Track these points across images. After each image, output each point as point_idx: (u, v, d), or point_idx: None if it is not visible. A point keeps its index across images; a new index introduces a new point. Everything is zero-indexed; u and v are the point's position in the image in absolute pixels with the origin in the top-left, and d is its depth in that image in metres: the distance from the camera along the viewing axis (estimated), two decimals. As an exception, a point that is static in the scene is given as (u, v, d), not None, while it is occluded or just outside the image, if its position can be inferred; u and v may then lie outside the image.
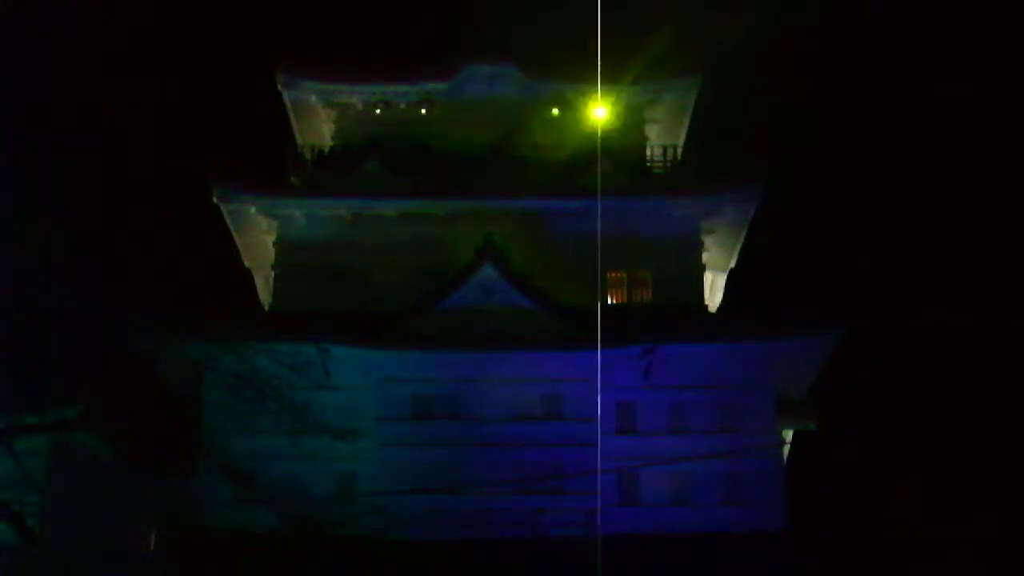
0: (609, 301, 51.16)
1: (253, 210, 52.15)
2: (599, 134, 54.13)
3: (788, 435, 50.66)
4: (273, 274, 52.38)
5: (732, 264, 55.42)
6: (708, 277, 53.54)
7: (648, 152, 55.11)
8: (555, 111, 55.38)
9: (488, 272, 48.08)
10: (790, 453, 51.88)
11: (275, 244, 52.46)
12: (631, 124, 55.45)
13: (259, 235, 53.30)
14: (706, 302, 52.55)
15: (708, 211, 51.84)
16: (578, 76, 55.33)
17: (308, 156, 55.17)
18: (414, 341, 46.64)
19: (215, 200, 51.56)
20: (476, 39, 55.48)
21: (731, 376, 47.27)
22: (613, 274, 51.34)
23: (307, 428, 45.70)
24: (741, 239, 53.51)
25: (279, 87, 55.07)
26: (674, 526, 45.25)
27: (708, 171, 52.79)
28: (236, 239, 53.76)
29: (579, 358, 46.87)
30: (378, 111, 55.74)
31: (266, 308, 52.75)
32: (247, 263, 55.28)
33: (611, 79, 55.42)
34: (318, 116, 56.19)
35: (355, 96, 55.63)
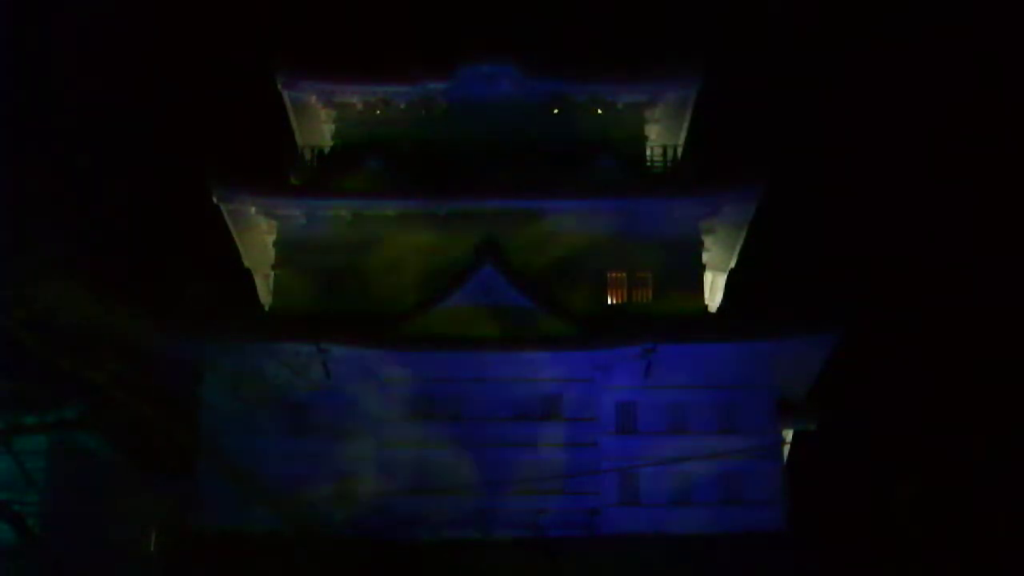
0: (609, 301, 51.18)
1: (253, 210, 52.16)
2: (599, 134, 54.21)
3: (788, 435, 50.65)
4: (273, 274, 52.38)
5: (732, 264, 55.41)
6: (708, 277, 53.53)
7: (648, 152, 55.09)
8: (555, 111, 55.36)
9: (488, 272, 48.07)
10: (790, 453, 51.87)
11: (275, 244, 52.45)
12: (631, 124, 55.44)
13: (259, 235, 53.31)
14: (706, 302, 52.55)
15: (708, 211, 51.82)
16: (578, 76, 55.36)
17: (308, 156, 55.18)
18: (414, 341, 46.64)
19: (215, 200, 51.56)
20: (476, 39, 55.49)
21: (731, 376, 47.28)
22: (613, 274, 51.36)
23: (307, 428, 45.99)
24: (741, 239, 53.50)
25: (279, 87, 55.06)
26: (674, 526, 45.25)
27: (708, 171, 52.81)
28: (236, 239, 53.76)
29: (579, 358, 46.91)
30: (378, 111, 55.72)
31: (266, 308, 52.76)
32: (247, 263, 55.28)
33: (611, 79, 55.45)
34: (318, 116, 56.18)
35: (355, 96, 55.62)
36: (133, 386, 25.76)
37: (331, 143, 55.63)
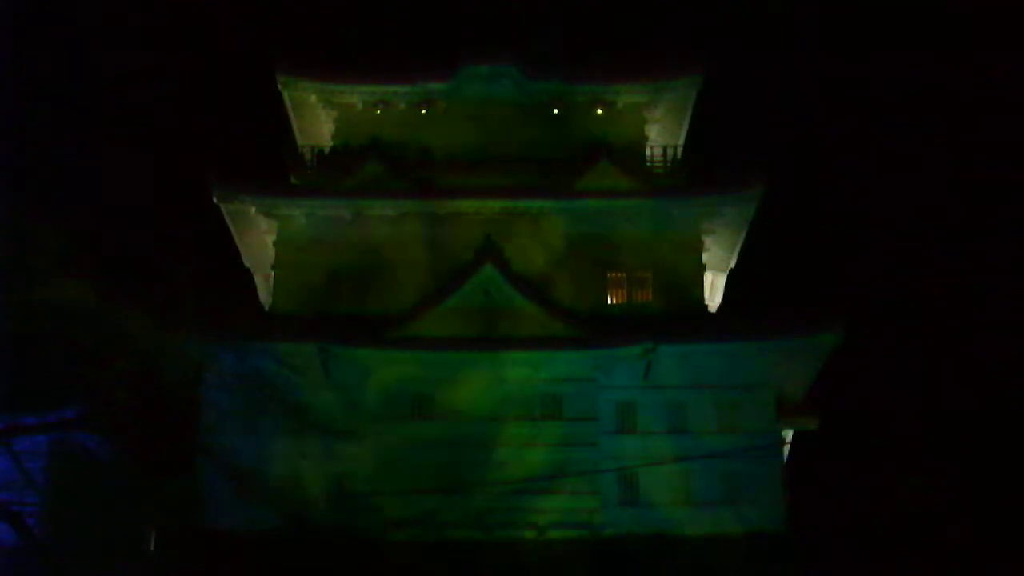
0: (609, 301, 51.16)
1: (253, 210, 52.16)
2: (599, 134, 54.16)
3: (788, 435, 50.65)
4: (273, 274, 52.37)
5: (732, 264, 55.39)
6: (708, 277, 53.51)
7: (648, 152, 55.06)
8: (555, 111, 55.37)
9: (488, 272, 48.07)
10: (790, 453, 51.87)
11: (275, 244, 52.44)
12: (631, 124, 55.42)
13: (259, 235, 53.31)
14: (706, 302, 52.53)
15: (708, 212, 51.81)
16: (578, 76, 55.35)
17: (308, 156, 55.17)
18: (414, 341, 46.64)
19: (215, 200, 51.57)
20: (475, 39, 55.52)
21: (731, 376, 47.25)
22: (613, 274, 51.32)
23: (307, 428, 45.98)
24: (741, 239, 53.47)
25: (279, 87, 55.07)
26: (674, 526, 45.23)
27: (708, 171, 52.78)
28: (236, 239, 53.76)
29: (579, 358, 46.89)
30: (378, 111, 55.71)
31: (266, 308, 52.76)
32: (247, 263, 55.28)
33: (611, 79, 55.43)
34: (318, 116, 56.18)
35: (355, 96, 55.63)
36: (134, 386, 25.77)
37: (331, 143, 55.63)
